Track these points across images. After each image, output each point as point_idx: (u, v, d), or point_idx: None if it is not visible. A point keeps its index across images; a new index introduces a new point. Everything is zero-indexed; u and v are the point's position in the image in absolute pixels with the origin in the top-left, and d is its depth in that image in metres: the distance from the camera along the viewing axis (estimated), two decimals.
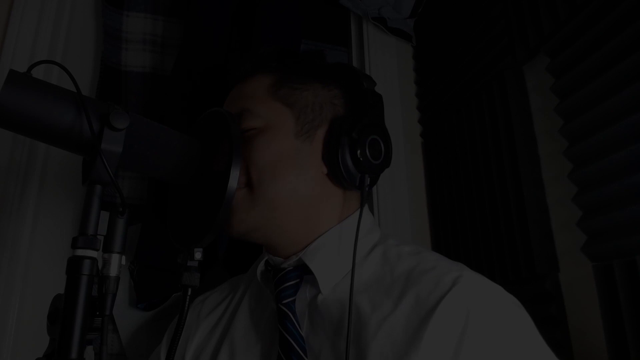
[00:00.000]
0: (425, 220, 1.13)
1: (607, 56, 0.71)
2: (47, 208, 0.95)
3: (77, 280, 0.42)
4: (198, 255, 0.52)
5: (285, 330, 0.60)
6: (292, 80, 0.68)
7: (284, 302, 0.62)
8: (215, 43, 1.01)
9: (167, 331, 0.78)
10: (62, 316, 0.42)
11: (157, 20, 1.07)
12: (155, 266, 0.94)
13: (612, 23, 0.70)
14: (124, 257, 0.47)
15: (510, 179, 0.87)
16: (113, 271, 0.45)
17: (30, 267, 0.90)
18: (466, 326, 0.53)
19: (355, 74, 0.72)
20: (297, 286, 0.63)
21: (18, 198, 0.91)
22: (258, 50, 0.73)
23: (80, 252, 0.43)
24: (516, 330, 0.55)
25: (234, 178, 0.50)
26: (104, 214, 0.46)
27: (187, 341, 0.71)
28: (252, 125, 0.64)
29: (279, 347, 0.59)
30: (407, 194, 1.12)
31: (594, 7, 0.73)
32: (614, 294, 0.66)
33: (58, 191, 0.97)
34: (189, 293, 0.51)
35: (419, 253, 0.65)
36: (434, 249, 1.08)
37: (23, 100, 0.43)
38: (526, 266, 0.81)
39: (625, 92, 0.67)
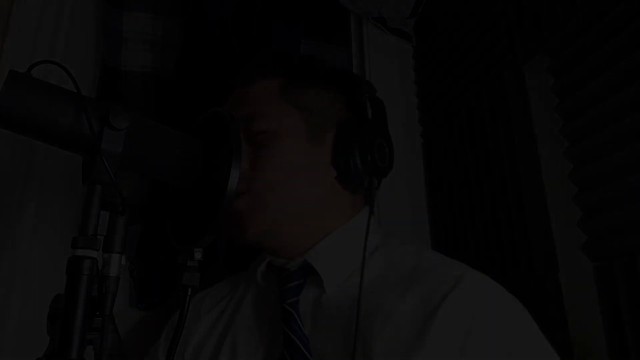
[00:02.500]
0: (425, 220, 1.13)
1: (607, 56, 0.71)
2: (47, 208, 0.95)
3: (77, 280, 0.42)
4: (198, 255, 0.52)
5: (290, 330, 0.60)
6: (299, 83, 0.68)
7: (288, 302, 0.62)
8: (215, 42, 1.01)
9: (165, 329, 0.78)
10: (62, 316, 0.42)
11: (157, 20, 1.07)
12: (155, 266, 0.95)
13: (612, 23, 0.70)
14: (124, 257, 0.46)
15: (510, 179, 0.87)
16: (113, 271, 0.45)
17: (30, 267, 0.90)
18: (472, 323, 0.53)
19: (357, 80, 0.73)
20: (300, 286, 0.64)
21: (18, 198, 0.91)
22: (260, 53, 0.74)
23: (80, 252, 0.43)
24: (520, 327, 0.56)
25: (234, 178, 0.50)
26: (104, 214, 0.46)
27: (187, 337, 0.72)
28: (263, 128, 0.64)
29: (283, 347, 0.60)
30: (407, 194, 1.12)
31: (594, 7, 0.73)
32: (614, 294, 0.66)
33: (58, 191, 0.97)
34: (189, 293, 0.51)
35: (422, 252, 0.66)
36: (433, 248, 1.08)
37: (23, 101, 0.43)
38: (526, 266, 0.81)
39: (625, 92, 0.67)
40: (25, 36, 0.98)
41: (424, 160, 1.17)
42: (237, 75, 0.72)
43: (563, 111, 0.79)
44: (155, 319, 0.96)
